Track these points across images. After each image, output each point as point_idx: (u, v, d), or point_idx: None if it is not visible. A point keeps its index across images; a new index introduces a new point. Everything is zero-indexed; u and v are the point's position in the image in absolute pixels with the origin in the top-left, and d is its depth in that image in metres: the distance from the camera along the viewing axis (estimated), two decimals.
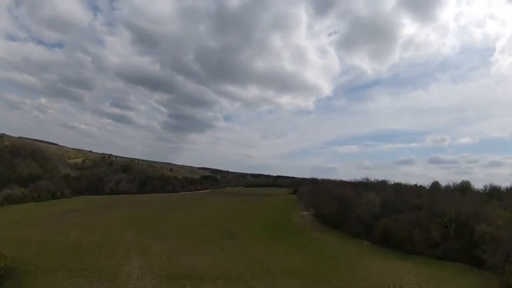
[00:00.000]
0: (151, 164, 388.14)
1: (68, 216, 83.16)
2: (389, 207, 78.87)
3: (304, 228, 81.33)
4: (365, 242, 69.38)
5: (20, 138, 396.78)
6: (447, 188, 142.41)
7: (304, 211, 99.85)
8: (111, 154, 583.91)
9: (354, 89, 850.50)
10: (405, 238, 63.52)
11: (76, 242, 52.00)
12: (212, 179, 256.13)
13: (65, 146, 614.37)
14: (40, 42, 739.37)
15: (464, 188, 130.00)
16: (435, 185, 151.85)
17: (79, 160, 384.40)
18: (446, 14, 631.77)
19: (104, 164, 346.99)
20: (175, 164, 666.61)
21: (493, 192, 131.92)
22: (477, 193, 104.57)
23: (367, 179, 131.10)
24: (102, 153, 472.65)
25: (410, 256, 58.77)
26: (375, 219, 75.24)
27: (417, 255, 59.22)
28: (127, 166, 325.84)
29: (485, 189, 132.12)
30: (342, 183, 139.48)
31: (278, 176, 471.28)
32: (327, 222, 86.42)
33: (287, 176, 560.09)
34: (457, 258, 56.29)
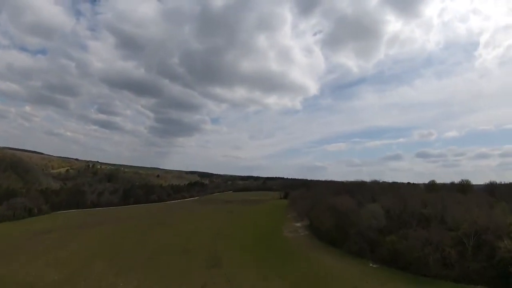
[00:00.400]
0: (137, 171, 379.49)
1: (37, 240, 76.77)
2: (394, 218, 71.03)
3: (298, 246, 72.43)
4: (370, 264, 60.81)
5: (1, 149, 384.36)
6: (445, 185, 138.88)
7: (297, 221, 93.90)
8: (97, 161, 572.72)
9: (340, 87, 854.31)
10: (417, 258, 55.27)
11: (34, 282, 45.98)
12: (199, 185, 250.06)
13: (50, 155, 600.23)
14: (23, 48, 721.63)
15: (465, 188, 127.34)
16: (434, 185, 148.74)
17: (63, 170, 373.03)
18: (430, 10, 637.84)
19: (88, 173, 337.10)
20: (163, 169, 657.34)
21: (494, 189, 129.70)
22: (482, 195, 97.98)
23: (362, 181, 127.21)
24: (87, 162, 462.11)
25: (423, 279, 51.95)
26: (379, 234, 66.54)
27: (432, 278, 52.15)
28: (112, 174, 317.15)
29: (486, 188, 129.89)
30: (336, 186, 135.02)
31: (267, 178, 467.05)
32: (324, 237, 77.28)
33: (276, 177, 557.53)
34: (478, 280, 49.56)
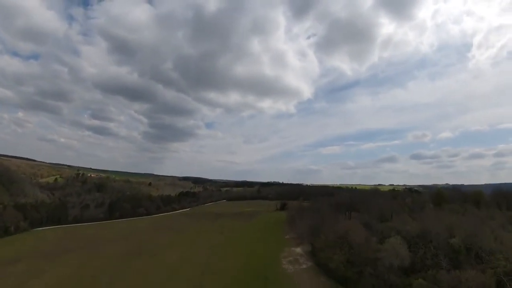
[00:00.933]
0: (128, 179, 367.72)
1: None
2: (417, 251, 57.80)
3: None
4: None
5: None
6: (454, 196, 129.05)
7: (297, 245, 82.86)
8: (91, 168, 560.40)
9: (334, 90, 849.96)
10: None
11: None
12: (191, 195, 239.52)
13: (43, 162, 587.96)
14: (15, 54, 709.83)
15: (478, 199, 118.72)
16: (441, 195, 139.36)
17: (51, 179, 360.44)
18: (423, 12, 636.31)
19: (77, 183, 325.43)
20: (157, 175, 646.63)
21: (499, 199, 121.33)
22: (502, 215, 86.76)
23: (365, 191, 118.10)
24: (79, 169, 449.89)
25: None
26: (403, 276, 54.03)
27: None
28: (101, 184, 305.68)
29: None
30: (337, 201, 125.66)
31: (262, 184, 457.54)
32: (333, 274, 61.56)
33: (272, 183, 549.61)
34: None
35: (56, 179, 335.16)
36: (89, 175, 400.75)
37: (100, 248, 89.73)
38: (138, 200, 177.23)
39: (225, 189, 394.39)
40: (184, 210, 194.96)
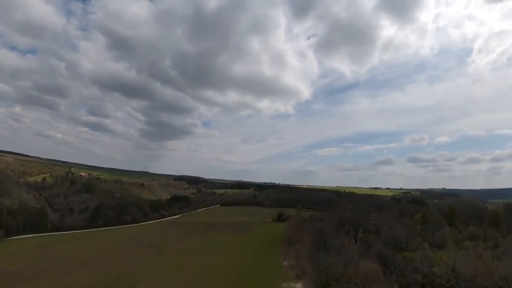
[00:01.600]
0: (120, 179, 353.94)
1: None
2: None
3: None
4: None
5: None
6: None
7: (297, 278, 70.36)
8: (85, 164, 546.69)
9: (333, 92, 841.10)
10: None
11: None
12: (183, 200, 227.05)
13: (39, 157, 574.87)
14: (12, 48, 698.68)
15: (495, 219, 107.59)
16: (454, 211, 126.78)
17: (41, 177, 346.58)
18: (425, 15, 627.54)
19: (65, 183, 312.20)
20: (153, 174, 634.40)
21: None
22: None
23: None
24: (69, 168, 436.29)
25: None
26: None
27: None
28: (90, 185, 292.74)
29: None
30: (340, 218, 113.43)
31: (258, 186, 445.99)
32: None
33: (268, 184, 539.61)
34: None
35: (44, 178, 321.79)
36: (80, 174, 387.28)
37: (70, 273, 77.67)
38: (124, 206, 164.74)
39: (220, 191, 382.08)
40: (174, 217, 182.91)
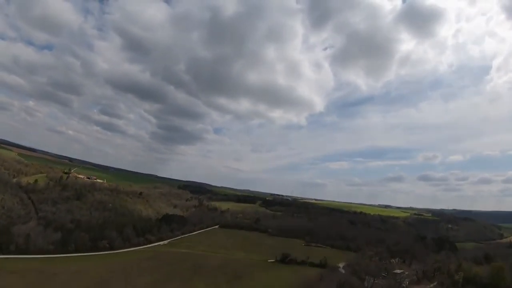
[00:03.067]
0: (116, 187, 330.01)
1: None
2: None
3: None
4: None
5: None
6: None
7: None
8: (93, 163, 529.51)
9: (346, 105, 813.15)
10: None
11: None
12: (177, 220, 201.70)
13: (47, 152, 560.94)
14: (29, 42, 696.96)
15: None
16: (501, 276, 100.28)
17: (33, 178, 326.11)
18: (445, 30, 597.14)
19: (57, 187, 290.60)
20: (160, 177, 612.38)
21: None
22: None
23: None
24: (69, 169, 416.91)
25: None
26: None
27: None
28: (82, 193, 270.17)
29: None
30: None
31: (264, 202, 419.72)
32: None
33: (275, 197, 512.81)
34: None
35: (36, 180, 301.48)
36: (78, 176, 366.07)
37: None
38: (100, 231, 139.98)
39: (223, 205, 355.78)
40: (160, 243, 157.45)
